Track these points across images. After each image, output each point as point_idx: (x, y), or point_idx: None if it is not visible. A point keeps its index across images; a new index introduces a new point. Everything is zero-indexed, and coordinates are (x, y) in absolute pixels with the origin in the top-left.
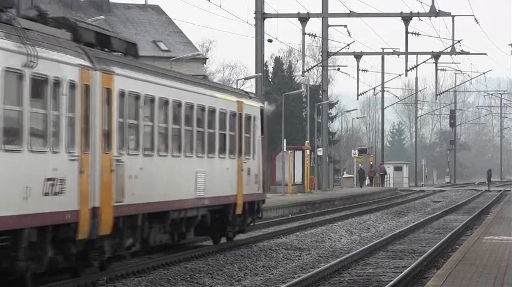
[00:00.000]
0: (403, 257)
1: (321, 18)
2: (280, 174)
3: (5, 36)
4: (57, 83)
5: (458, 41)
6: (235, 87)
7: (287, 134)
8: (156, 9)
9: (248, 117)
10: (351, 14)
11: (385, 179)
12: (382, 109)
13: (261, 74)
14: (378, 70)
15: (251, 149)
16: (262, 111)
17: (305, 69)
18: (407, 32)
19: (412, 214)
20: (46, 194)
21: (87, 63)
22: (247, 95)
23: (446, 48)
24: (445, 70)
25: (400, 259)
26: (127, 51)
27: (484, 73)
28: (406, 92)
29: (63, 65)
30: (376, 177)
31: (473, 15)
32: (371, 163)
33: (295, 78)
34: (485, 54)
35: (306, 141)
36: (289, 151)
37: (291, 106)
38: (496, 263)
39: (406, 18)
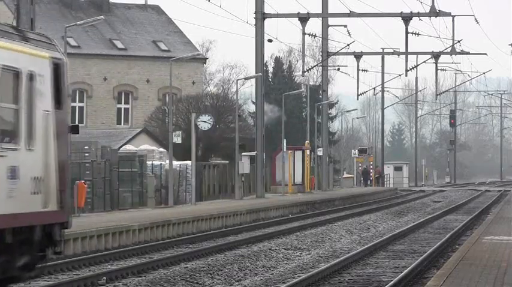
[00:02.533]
0: (403, 257)
1: (321, 18)
2: (280, 174)
3: None
4: None
5: (458, 41)
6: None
7: (287, 134)
8: (156, 9)
9: (15, 74)
10: (351, 14)
11: (384, 180)
12: (382, 109)
13: (261, 74)
14: (378, 70)
15: (21, 131)
16: (57, 66)
17: (305, 69)
18: (407, 32)
19: (412, 214)
20: None
21: None
22: (18, 35)
23: (446, 48)
24: (445, 70)
25: (400, 259)
26: None
27: (484, 73)
28: (406, 92)
29: None
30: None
31: (473, 15)
32: (370, 163)
33: (295, 78)
34: (485, 54)
35: (306, 142)
36: (289, 151)
37: (291, 106)
38: (496, 263)
39: (406, 18)
